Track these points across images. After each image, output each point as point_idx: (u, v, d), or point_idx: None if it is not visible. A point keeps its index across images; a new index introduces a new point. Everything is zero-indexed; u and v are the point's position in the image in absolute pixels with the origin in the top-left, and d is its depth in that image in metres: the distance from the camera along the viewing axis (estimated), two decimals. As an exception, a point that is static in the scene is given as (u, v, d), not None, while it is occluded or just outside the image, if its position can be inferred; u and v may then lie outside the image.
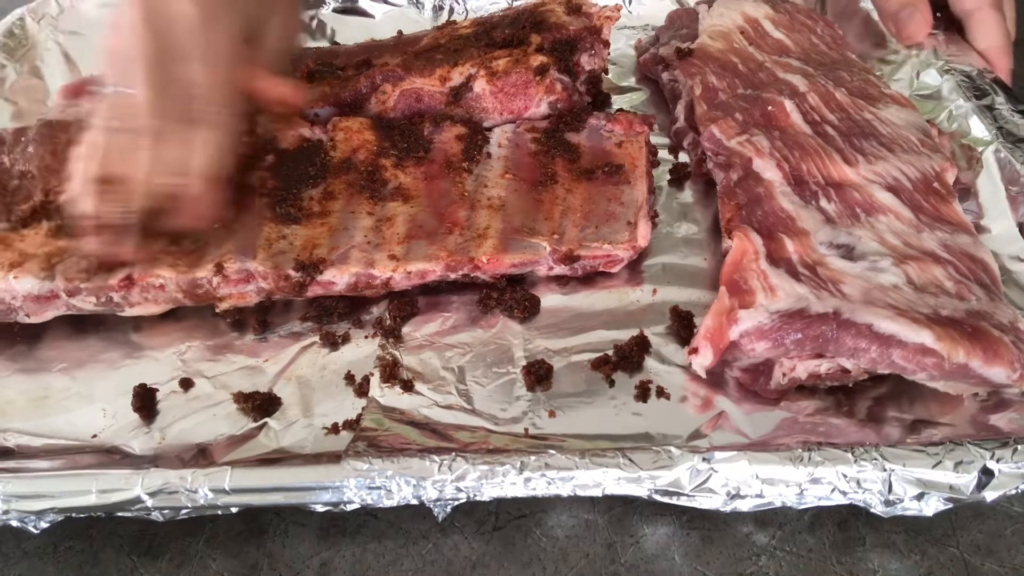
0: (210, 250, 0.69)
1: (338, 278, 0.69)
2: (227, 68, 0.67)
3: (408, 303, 0.71)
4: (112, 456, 0.61)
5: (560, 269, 0.71)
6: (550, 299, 0.72)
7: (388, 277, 0.69)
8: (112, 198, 0.63)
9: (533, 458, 0.53)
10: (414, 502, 0.53)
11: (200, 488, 0.52)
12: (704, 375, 0.63)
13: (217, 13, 0.66)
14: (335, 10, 1.09)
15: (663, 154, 0.87)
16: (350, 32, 1.06)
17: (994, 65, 0.87)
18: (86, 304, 0.69)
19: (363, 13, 1.09)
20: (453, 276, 0.70)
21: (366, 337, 0.70)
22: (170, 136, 0.63)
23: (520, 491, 0.52)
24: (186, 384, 0.66)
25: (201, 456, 0.60)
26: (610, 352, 0.66)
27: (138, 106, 0.63)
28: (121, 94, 0.64)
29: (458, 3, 1.07)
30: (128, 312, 0.70)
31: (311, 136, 0.80)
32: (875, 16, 0.98)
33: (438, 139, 0.80)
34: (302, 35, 1.06)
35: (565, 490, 0.52)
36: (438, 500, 0.52)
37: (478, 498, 0.52)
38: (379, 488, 0.52)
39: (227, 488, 0.53)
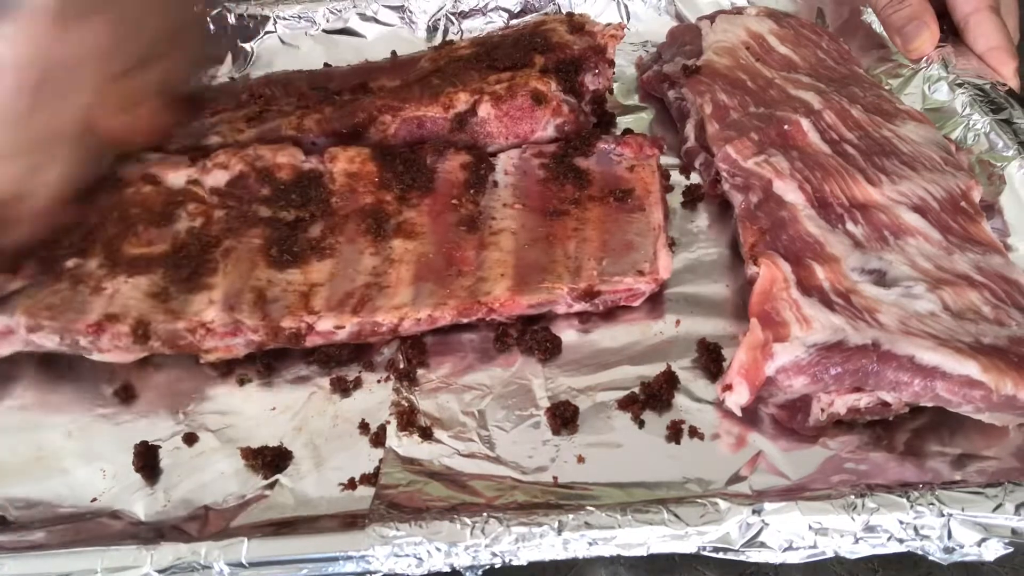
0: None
1: (340, 328, 0.65)
2: (84, 105, 0.65)
3: (421, 341, 0.68)
4: (115, 523, 0.57)
5: (580, 306, 0.68)
6: (569, 335, 0.68)
7: (395, 324, 0.65)
8: None
9: (571, 516, 0.50)
10: (446, 569, 0.49)
11: (215, 563, 0.48)
12: (739, 413, 0.60)
13: (99, 55, 0.64)
14: (325, 31, 1.05)
15: (674, 175, 0.84)
16: (341, 53, 1.02)
17: (996, 67, 0.85)
18: (47, 342, 0.64)
19: (354, 33, 1.05)
20: (466, 320, 0.67)
21: (378, 381, 0.66)
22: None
23: (559, 553, 0.49)
24: (190, 439, 0.63)
25: (210, 520, 0.56)
26: (637, 390, 0.63)
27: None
28: None
29: (453, 23, 1.04)
30: (97, 357, 0.64)
31: (307, 167, 0.76)
32: (877, 29, 0.96)
33: (441, 168, 0.77)
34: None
35: (607, 551, 0.49)
36: (471, 567, 0.49)
37: (514, 562, 0.49)
38: (408, 556, 0.49)
39: (244, 562, 0.49)
